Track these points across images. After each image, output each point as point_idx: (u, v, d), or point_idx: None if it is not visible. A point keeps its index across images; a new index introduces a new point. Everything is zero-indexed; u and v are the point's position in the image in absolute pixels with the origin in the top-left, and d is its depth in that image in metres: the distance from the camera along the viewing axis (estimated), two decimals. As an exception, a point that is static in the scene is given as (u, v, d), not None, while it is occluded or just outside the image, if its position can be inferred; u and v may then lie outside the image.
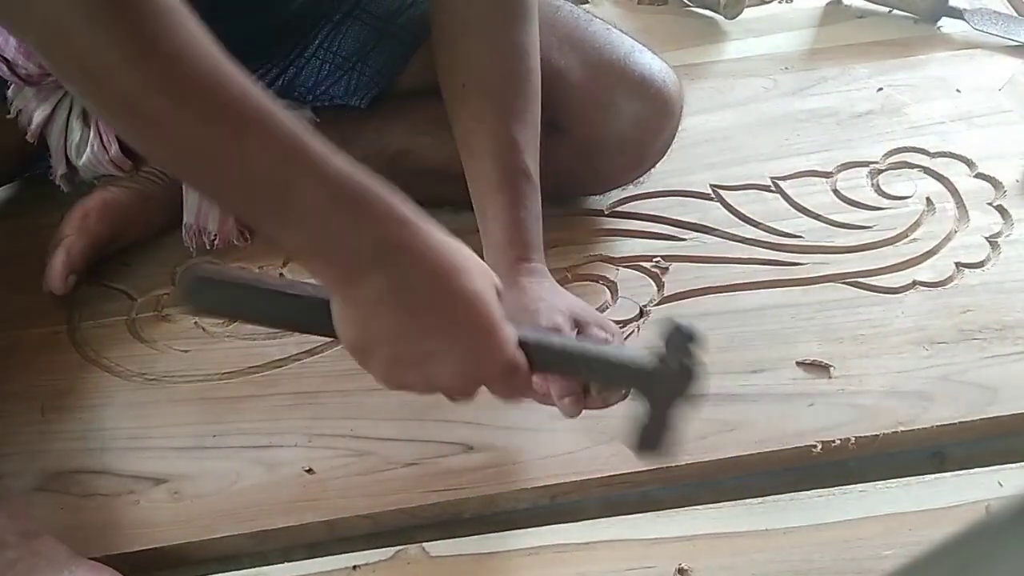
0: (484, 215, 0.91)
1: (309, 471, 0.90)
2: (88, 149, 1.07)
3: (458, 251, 0.68)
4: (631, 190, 1.14)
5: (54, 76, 1.02)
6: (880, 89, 1.28)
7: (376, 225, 0.64)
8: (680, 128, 1.10)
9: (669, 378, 0.73)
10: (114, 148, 1.07)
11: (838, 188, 1.16)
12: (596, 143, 1.04)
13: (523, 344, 0.71)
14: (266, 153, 0.61)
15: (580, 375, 0.78)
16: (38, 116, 1.06)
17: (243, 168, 0.61)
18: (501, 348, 0.69)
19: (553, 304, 0.85)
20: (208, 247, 1.10)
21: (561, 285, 1.05)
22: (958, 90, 1.26)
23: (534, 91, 0.93)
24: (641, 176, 1.12)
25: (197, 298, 0.70)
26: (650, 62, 1.05)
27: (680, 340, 0.72)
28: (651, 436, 0.75)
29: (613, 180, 1.12)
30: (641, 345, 0.80)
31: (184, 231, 1.09)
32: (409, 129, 1.09)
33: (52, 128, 1.07)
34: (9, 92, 1.06)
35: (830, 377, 0.96)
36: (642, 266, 1.08)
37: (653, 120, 1.05)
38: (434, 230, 0.67)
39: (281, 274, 1.08)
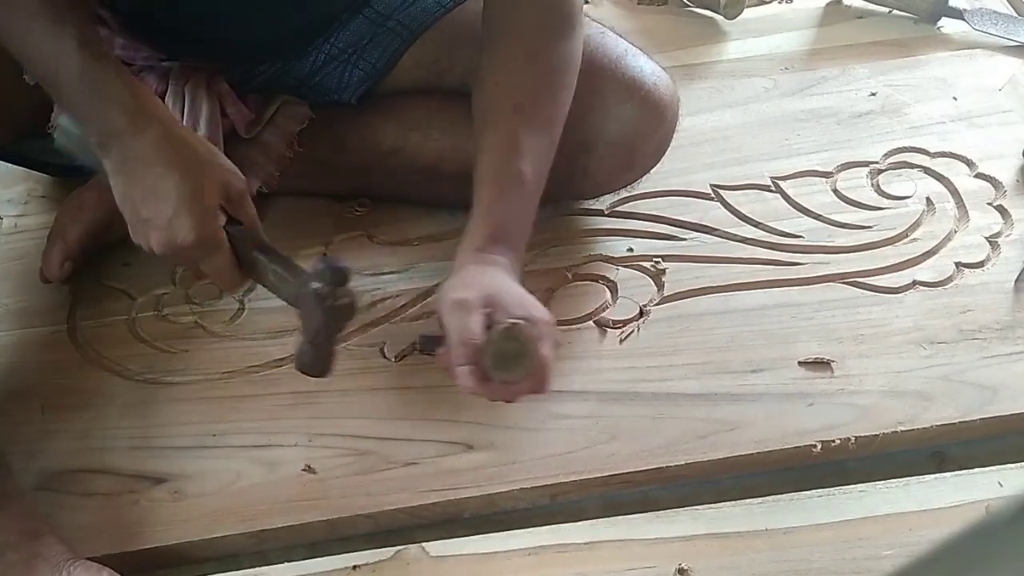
0: (471, 209, 0.91)
1: (309, 470, 0.90)
2: None
3: (186, 143, 0.84)
4: (631, 189, 1.14)
5: None
6: (873, 93, 1.27)
7: (117, 110, 0.82)
8: (680, 128, 1.10)
9: (321, 303, 0.80)
10: None
11: (838, 188, 1.16)
12: (586, 146, 1.04)
13: (229, 236, 0.85)
14: (46, 42, 0.82)
15: (262, 279, 0.87)
16: None
17: (33, 52, 0.84)
18: (194, 224, 0.82)
19: (475, 283, 0.84)
20: None
21: (561, 285, 1.06)
22: (954, 98, 1.26)
23: (561, 105, 0.94)
24: (633, 181, 1.11)
25: (58, 140, 0.91)
26: (642, 65, 1.05)
27: (331, 276, 0.80)
28: (307, 356, 0.83)
29: (604, 184, 1.11)
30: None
31: None
32: (400, 127, 1.09)
33: None
34: None
35: (832, 373, 0.96)
36: (642, 266, 1.08)
37: (643, 122, 1.04)
38: (171, 123, 0.85)
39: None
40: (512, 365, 0.79)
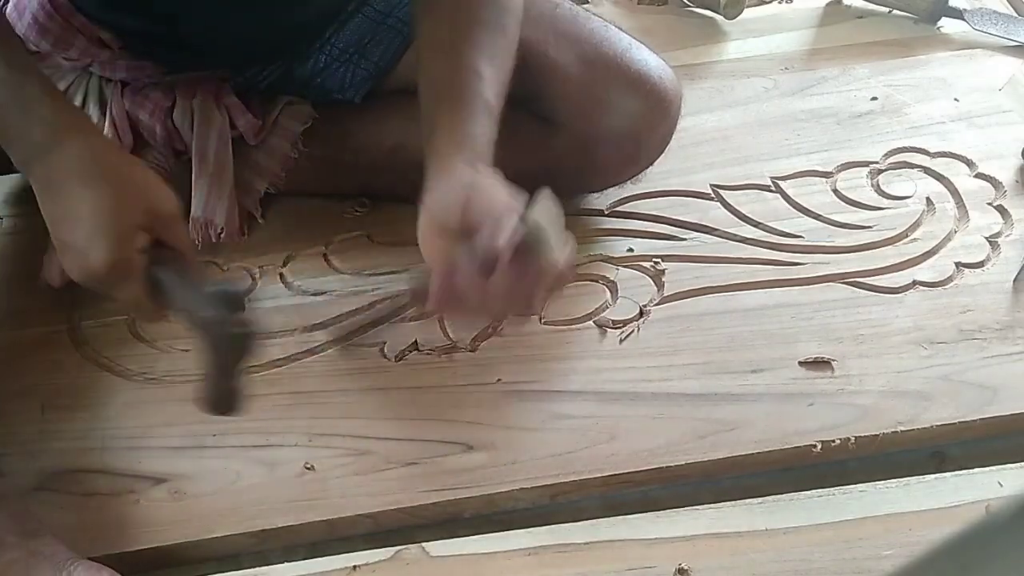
0: (431, 129, 0.86)
1: (310, 468, 0.90)
2: None
3: (112, 161, 0.79)
4: (631, 189, 1.14)
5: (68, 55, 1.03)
6: (875, 98, 1.27)
7: (37, 127, 0.78)
8: (680, 128, 1.10)
9: (217, 332, 0.75)
10: (128, 138, 1.07)
11: (838, 188, 1.16)
12: (592, 138, 1.04)
13: (154, 270, 0.79)
14: None
15: (175, 309, 0.81)
16: None
17: None
18: (108, 247, 0.76)
19: (460, 198, 0.80)
20: (214, 240, 1.10)
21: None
22: (956, 99, 1.26)
23: (510, 43, 0.92)
24: (638, 173, 1.12)
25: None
26: (647, 58, 1.05)
27: (225, 303, 0.75)
28: (209, 389, 0.78)
29: (610, 177, 1.12)
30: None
31: (191, 224, 1.09)
32: (405, 123, 1.09)
33: None
34: None
35: (832, 372, 0.96)
36: (642, 266, 1.08)
37: (649, 116, 1.05)
38: (98, 139, 0.81)
39: (281, 274, 1.08)
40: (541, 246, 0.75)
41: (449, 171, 0.82)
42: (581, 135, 1.04)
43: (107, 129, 1.06)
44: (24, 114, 0.79)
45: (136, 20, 1.01)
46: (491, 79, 0.88)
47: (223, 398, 0.78)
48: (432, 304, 0.81)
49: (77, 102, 1.06)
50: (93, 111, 1.07)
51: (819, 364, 0.97)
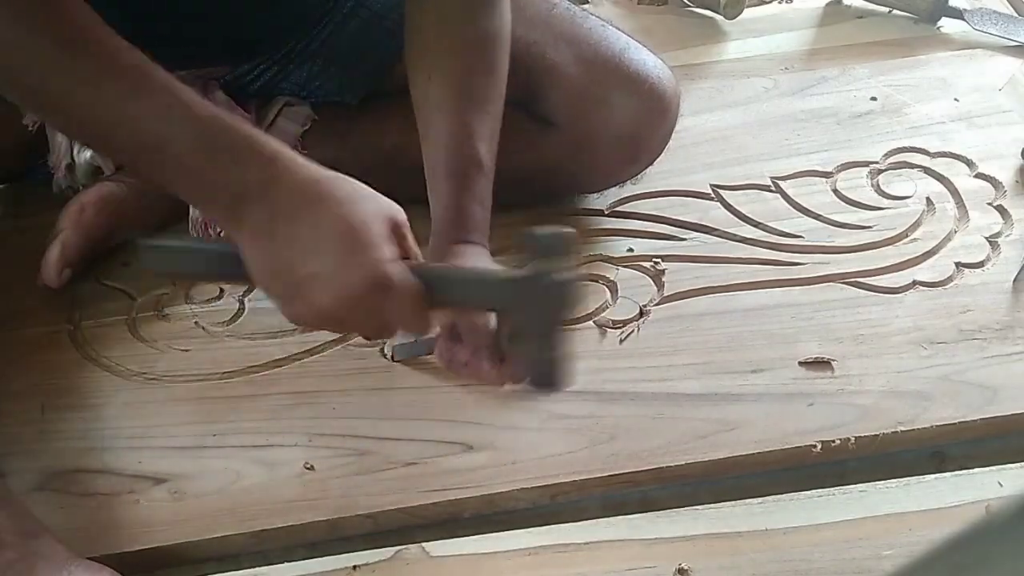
0: (433, 202, 0.90)
1: (309, 468, 0.90)
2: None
3: (332, 181, 0.72)
4: (631, 189, 1.14)
5: None
6: (874, 98, 1.27)
7: (247, 165, 0.70)
8: (680, 128, 1.10)
9: (542, 291, 0.70)
10: None
11: (838, 188, 1.16)
12: (591, 139, 1.04)
13: (416, 272, 0.72)
14: (149, 111, 0.70)
15: (461, 298, 0.76)
16: None
17: (130, 126, 0.70)
18: (372, 265, 0.70)
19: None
20: (214, 239, 1.09)
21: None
22: (956, 99, 1.26)
23: (499, 80, 0.93)
24: (637, 173, 1.12)
25: (147, 261, 0.78)
26: (645, 58, 1.05)
27: (544, 250, 0.70)
28: (538, 365, 0.74)
29: (608, 177, 1.12)
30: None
31: (191, 224, 1.09)
32: (404, 125, 1.09)
33: None
34: None
35: (833, 372, 0.96)
36: (642, 266, 1.08)
37: (648, 115, 1.05)
38: (307, 164, 0.72)
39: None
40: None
41: (449, 254, 0.85)
42: (580, 135, 1.04)
43: None
44: (230, 158, 0.70)
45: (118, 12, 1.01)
46: (486, 134, 0.90)
47: (547, 371, 0.73)
48: (440, 362, 0.86)
49: None
50: None
51: (819, 364, 0.97)
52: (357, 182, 0.74)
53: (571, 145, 1.05)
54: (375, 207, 0.73)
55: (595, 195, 1.15)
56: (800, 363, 0.97)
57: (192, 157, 0.70)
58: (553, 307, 0.71)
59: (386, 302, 0.71)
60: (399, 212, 0.74)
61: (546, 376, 0.74)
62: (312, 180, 0.72)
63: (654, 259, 1.08)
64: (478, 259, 0.86)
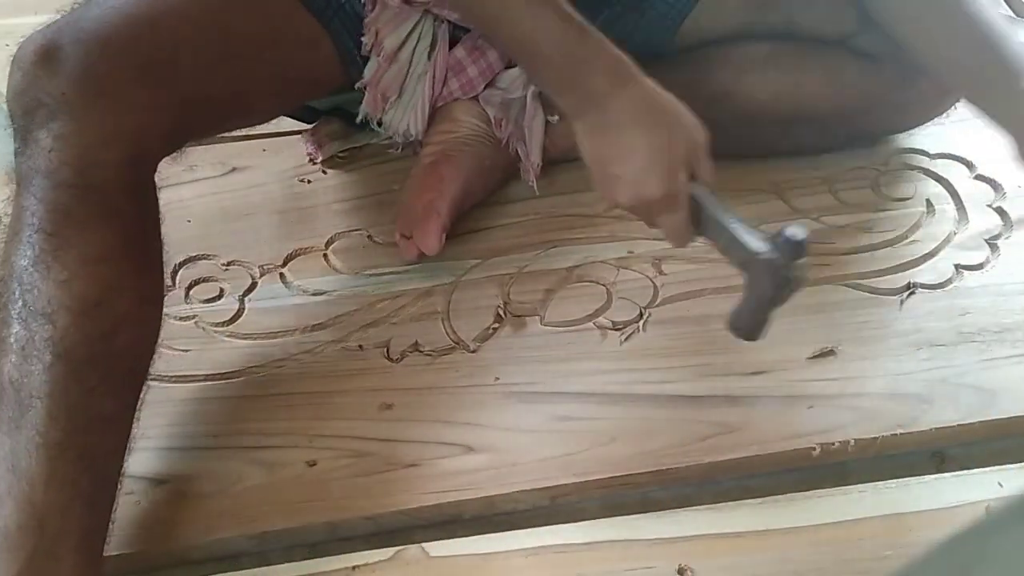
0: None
1: (310, 470, 0.90)
2: (422, 86, 1.09)
3: (656, 101, 0.86)
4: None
5: None
6: None
7: (604, 70, 0.85)
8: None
9: (774, 273, 0.80)
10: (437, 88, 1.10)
11: (837, 189, 1.16)
12: (916, 69, 1.04)
13: (696, 199, 0.86)
14: (524, 11, 0.85)
15: (714, 240, 0.87)
16: (388, 42, 1.05)
17: (508, 24, 0.86)
18: (667, 185, 0.85)
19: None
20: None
21: (561, 286, 1.06)
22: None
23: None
24: (951, 106, 1.13)
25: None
26: None
27: (790, 249, 0.79)
28: (744, 319, 0.85)
29: (929, 110, 1.14)
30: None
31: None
32: (731, 69, 1.10)
33: (401, 54, 1.07)
34: (368, 13, 1.04)
35: (834, 370, 0.96)
36: (642, 267, 1.08)
37: None
38: (640, 80, 0.86)
39: (281, 274, 1.08)
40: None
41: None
42: (904, 67, 1.05)
43: (427, 76, 1.08)
44: (585, 64, 0.85)
45: None
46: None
47: (757, 328, 0.85)
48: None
49: (411, 46, 1.07)
50: (421, 54, 1.07)
51: (825, 355, 0.97)
52: (677, 103, 0.86)
53: (897, 78, 1.06)
54: (682, 131, 0.86)
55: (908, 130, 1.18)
56: (808, 358, 0.97)
57: (556, 60, 0.85)
58: (780, 293, 0.81)
59: (665, 215, 0.87)
60: (701, 135, 0.87)
61: (748, 329, 0.85)
62: (647, 99, 0.86)
63: (654, 260, 1.08)
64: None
